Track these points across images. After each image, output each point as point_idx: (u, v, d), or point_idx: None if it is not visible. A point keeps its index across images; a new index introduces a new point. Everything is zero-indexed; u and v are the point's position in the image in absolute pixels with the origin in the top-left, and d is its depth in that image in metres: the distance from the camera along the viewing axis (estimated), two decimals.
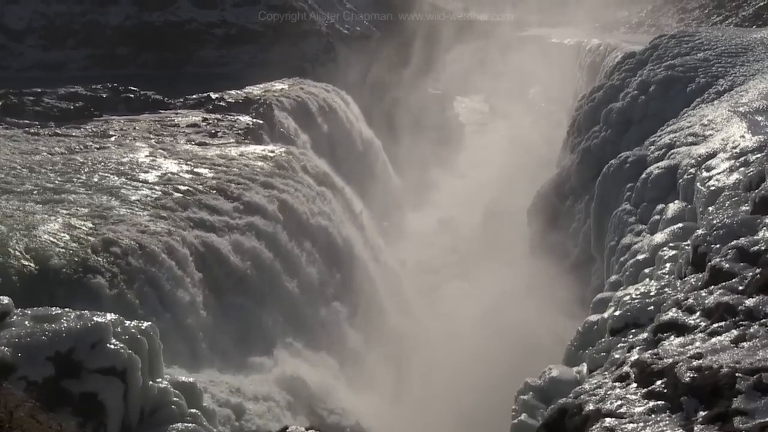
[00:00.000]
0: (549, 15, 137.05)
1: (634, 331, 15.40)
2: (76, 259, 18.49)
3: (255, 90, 51.27)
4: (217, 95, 46.88)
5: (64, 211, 21.85)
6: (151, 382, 14.32)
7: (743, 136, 23.23)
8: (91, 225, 20.83)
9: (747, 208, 16.41)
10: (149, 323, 14.82)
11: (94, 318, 13.36)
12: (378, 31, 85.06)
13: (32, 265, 17.71)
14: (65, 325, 12.82)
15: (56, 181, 25.32)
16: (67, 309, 13.66)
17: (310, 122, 48.76)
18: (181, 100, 45.89)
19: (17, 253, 17.93)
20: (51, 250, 18.46)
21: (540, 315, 34.51)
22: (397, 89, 75.13)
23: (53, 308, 13.59)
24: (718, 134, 25.32)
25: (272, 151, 34.03)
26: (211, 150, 33.05)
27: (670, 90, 36.89)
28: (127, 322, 14.23)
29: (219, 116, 41.71)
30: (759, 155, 19.89)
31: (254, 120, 41.23)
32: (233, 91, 49.43)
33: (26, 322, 12.82)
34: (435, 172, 67.77)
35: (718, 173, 21.05)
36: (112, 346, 13.29)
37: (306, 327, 25.84)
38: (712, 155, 23.22)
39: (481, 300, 38.75)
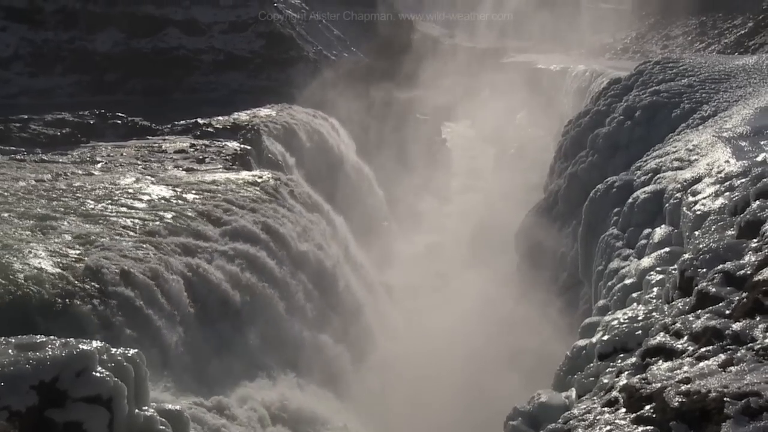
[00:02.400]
0: (535, 41, 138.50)
1: (622, 355, 15.38)
2: (61, 285, 18.34)
3: (243, 116, 51.37)
4: (204, 121, 46.91)
5: (50, 238, 21.71)
6: (137, 411, 14.11)
7: (728, 161, 23.43)
8: (76, 251, 20.70)
9: (732, 232, 16.50)
10: (135, 350, 14.65)
11: (80, 346, 13.19)
12: (365, 57, 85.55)
13: (16, 292, 17.54)
14: (50, 353, 12.65)
15: (42, 208, 25.18)
16: (52, 337, 13.49)
17: (298, 148, 48.83)
18: (169, 126, 45.87)
19: (1, 280, 17.77)
20: (36, 277, 18.31)
21: (528, 339, 34.45)
22: (385, 115, 75.45)
23: (38, 336, 13.43)
24: (703, 159, 25.52)
25: (260, 177, 34.03)
26: (199, 176, 33.00)
27: (656, 115, 37.24)
28: (113, 350, 14.06)
29: (207, 142, 41.70)
30: (743, 180, 20.03)
31: (242, 146, 41.25)
32: (221, 117, 49.51)
33: (9, 351, 12.64)
34: (422, 197, 67.91)
35: (704, 198, 21.18)
36: (97, 374, 13.11)
37: (292, 351, 25.69)
38: (697, 180, 23.39)
39: (469, 325, 38.65)
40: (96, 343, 13.72)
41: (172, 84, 68.81)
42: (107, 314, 18.56)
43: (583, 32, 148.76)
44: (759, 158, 22.51)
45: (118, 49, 69.33)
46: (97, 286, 19.08)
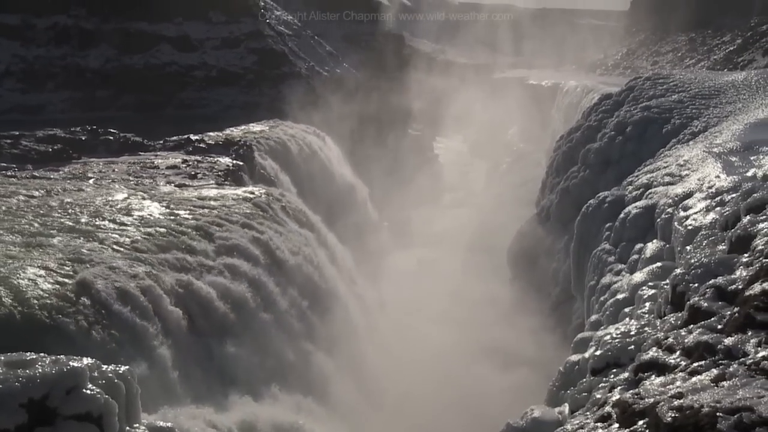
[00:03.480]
0: (527, 57, 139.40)
1: (615, 370, 15.38)
2: (52, 302, 18.23)
3: (235, 132, 51.44)
4: (197, 137, 46.91)
5: (41, 254, 21.60)
6: (128, 428, 14.03)
7: (718, 177, 23.56)
8: (67, 268, 20.59)
9: (724, 247, 16.55)
10: (127, 367, 14.57)
11: (70, 363, 13.11)
12: (357, 73, 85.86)
13: (6, 309, 17.43)
14: (40, 370, 12.57)
15: (33, 224, 25.07)
16: (42, 354, 13.42)
17: (291, 163, 48.88)
18: (161, 142, 45.84)
19: None
20: (26, 294, 18.20)
21: (521, 354, 34.43)
22: (377, 130, 75.67)
23: (28, 353, 13.35)
24: (694, 174, 25.66)
25: (252, 193, 34.00)
26: (191, 191, 32.95)
27: (647, 131, 37.48)
28: (104, 367, 13.98)
29: (199, 158, 41.68)
30: (734, 195, 20.13)
31: (234, 161, 41.26)
32: (213, 133, 49.53)
33: None
34: (415, 212, 68.01)
35: (695, 213, 21.28)
36: (88, 392, 13.02)
37: (283, 366, 25.57)
38: (688, 195, 23.50)
39: (461, 339, 38.63)
40: (87, 360, 13.64)
41: (165, 100, 68.83)
42: (99, 331, 18.45)
43: (574, 48, 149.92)
44: (749, 173, 22.63)
45: (111, 66, 69.37)
46: (88, 302, 18.97)
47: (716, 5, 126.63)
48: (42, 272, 19.83)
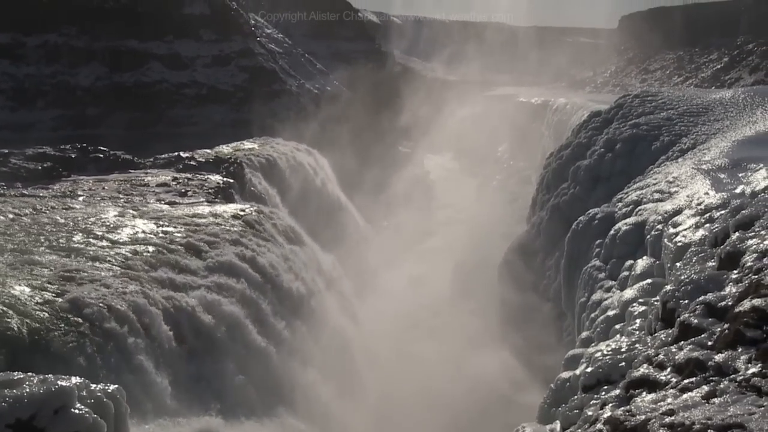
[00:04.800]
0: (517, 75, 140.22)
1: (606, 387, 15.37)
2: (40, 320, 18.11)
3: (225, 149, 51.41)
4: (187, 154, 46.83)
5: (29, 273, 21.48)
6: None
7: (707, 193, 23.68)
8: (57, 286, 20.47)
9: (713, 263, 16.61)
10: (116, 386, 14.46)
11: (58, 382, 13.01)
12: (348, 90, 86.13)
13: None
14: (27, 390, 12.47)
15: (22, 242, 24.94)
16: (29, 373, 13.31)
17: (281, 181, 48.86)
18: (151, 159, 45.74)
19: None
20: (14, 312, 18.07)
21: (512, 372, 34.37)
22: (368, 147, 75.79)
23: (15, 373, 13.24)
24: (683, 191, 25.78)
25: (242, 210, 33.94)
26: (181, 209, 32.87)
27: (636, 148, 37.66)
28: (93, 386, 13.87)
29: (189, 175, 41.60)
30: (723, 212, 20.23)
31: (225, 179, 41.20)
32: (204, 151, 49.47)
33: None
34: (405, 229, 67.93)
35: (685, 229, 21.36)
36: (76, 411, 12.91)
37: (275, 385, 25.44)
38: (678, 212, 23.59)
39: (453, 357, 38.54)
40: (75, 380, 13.54)
41: (155, 117, 68.83)
42: (88, 349, 18.31)
43: (564, 66, 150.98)
44: (738, 190, 22.76)
45: (101, 84, 69.37)
46: (78, 320, 18.84)
47: (703, 24, 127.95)
48: (31, 290, 19.72)
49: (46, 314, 18.46)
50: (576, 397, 16.71)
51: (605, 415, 10.29)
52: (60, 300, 19.40)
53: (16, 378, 12.95)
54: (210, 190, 38.11)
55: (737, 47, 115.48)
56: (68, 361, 17.51)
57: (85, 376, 14.65)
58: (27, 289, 19.74)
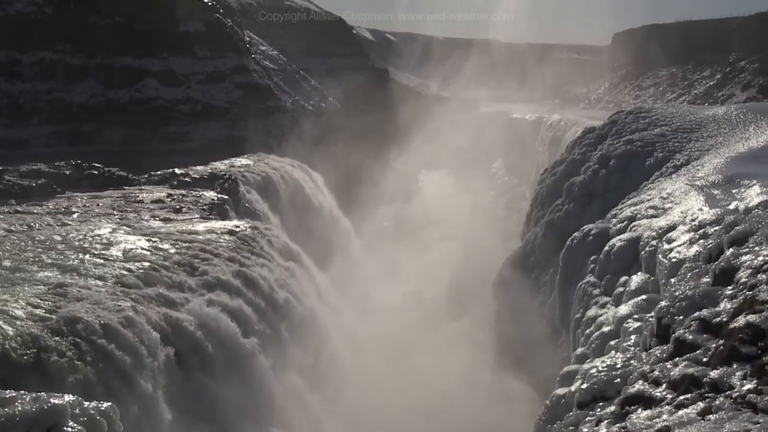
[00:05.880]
0: (511, 91, 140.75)
1: (601, 404, 15.34)
2: (33, 338, 18.00)
3: (220, 165, 51.43)
4: (182, 171, 46.84)
5: (23, 289, 21.39)
6: None
7: (701, 209, 23.74)
8: (50, 303, 20.37)
9: (708, 279, 16.63)
10: (109, 404, 14.38)
11: (51, 400, 12.93)
12: (343, 107, 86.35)
13: None
14: (19, 408, 12.39)
15: (15, 259, 24.86)
16: (22, 391, 13.23)
17: (276, 197, 48.87)
18: (146, 176, 45.71)
19: None
20: (7, 329, 17.97)
21: (507, 388, 34.27)
22: (363, 163, 75.95)
23: (7, 391, 13.15)
24: (677, 207, 25.84)
25: (237, 226, 33.91)
26: (176, 225, 32.81)
27: (630, 164, 37.78)
28: (86, 403, 13.79)
29: (184, 192, 41.58)
30: (717, 228, 20.28)
31: (219, 195, 41.18)
32: (198, 167, 49.49)
33: None
34: (400, 245, 67.95)
35: (679, 245, 21.39)
36: (69, 429, 12.83)
37: (269, 401, 25.35)
38: (672, 228, 23.64)
39: (447, 373, 38.43)
40: (68, 397, 13.46)
41: (150, 134, 68.80)
42: (81, 367, 18.20)
43: (557, 82, 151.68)
44: (731, 206, 22.83)
45: (96, 100, 69.36)
46: (71, 337, 18.74)
47: (696, 41, 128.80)
48: (24, 307, 19.62)
49: (39, 331, 18.36)
50: (571, 413, 16.66)
51: None
52: (53, 317, 19.30)
53: (8, 396, 12.87)
54: (204, 207, 38.09)
55: (729, 64, 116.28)
56: (61, 378, 17.40)
57: (78, 393, 14.57)
58: (20, 306, 19.64)
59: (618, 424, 10.45)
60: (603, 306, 25.14)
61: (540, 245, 40.37)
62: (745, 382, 9.79)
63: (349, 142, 76.00)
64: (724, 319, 12.62)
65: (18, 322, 18.57)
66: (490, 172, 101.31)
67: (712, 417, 8.94)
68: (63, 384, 16.90)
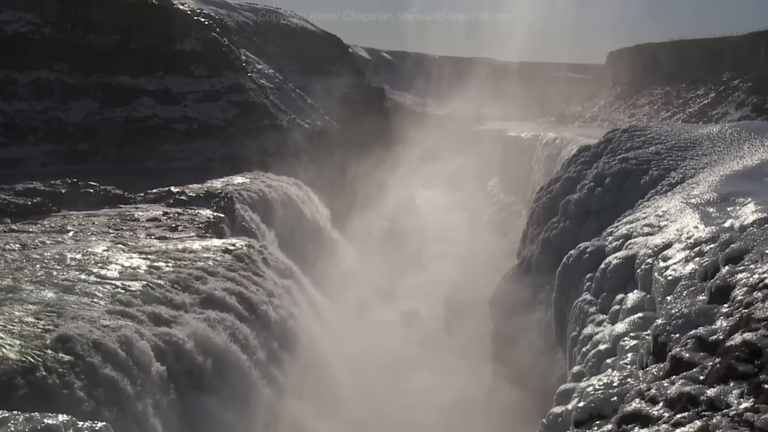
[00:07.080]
0: (506, 110, 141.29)
1: (598, 422, 15.27)
2: (27, 357, 17.92)
3: (216, 184, 51.44)
4: (178, 189, 46.82)
5: (17, 308, 21.31)
6: None
7: (697, 227, 23.76)
8: (45, 322, 20.31)
9: (704, 297, 16.62)
10: (104, 423, 14.31)
11: (45, 420, 12.87)
12: (339, 125, 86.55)
13: None
14: (12, 428, 12.32)
15: (10, 277, 24.79)
16: (15, 411, 13.15)
17: (272, 215, 48.85)
18: (142, 194, 45.68)
19: None
20: (1, 348, 17.88)
21: (504, 406, 34.13)
22: (358, 182, 76.05)
23: (1, 411, 13.08)
24: (672, 225, 25.87)
25: (233, 245, 33.88)
26: (172, 244, 32.77)
27: (625, 182, 37.88)
28: (80, 423, 13.72)
29: (180, 210, 41.56)
30: (712, 245, 20.29)
31: (215, 214, 41.15)
32: (194, 185, 49.50)
33: None
34: (396, 264, 67.91)
35: (675, 263, 21.39)
36: None
37: (264, 419, 25.23)
38: (668, 245, 23.64)
39: (444, 392, 38.32)
40: (62, 417, 13.39)
41: (146, 152, 68.81)
42: (76, 386, 18.11)
43: (552, 101, 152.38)
44: (726, 224, 22.86)
45: (92, 119, 69.37)
46: (66, 357, 18.66)
47: (690, 60, 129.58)
48: (19, 326, 19.55)
49: (34, 350, 18.28)
50: None
51: None
52: (48, 336, 19.24)
53: (1, 416, 12.79)
54: (201, 225, 38.06)
55: (723, 83, 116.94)
56: (55, 398, 17.30)
57: (73, 413, 14.48)
58: (14, 325, 19.57)
59: None
60: (599, 324, 25.09)
61: (536, 263, 40.38)
62: (742, 400, 9.76)
63: (345, 161, 76.14)
64: (721, 337, 12.60)
65: (12, 341, 18.49)
66: (486, 190, 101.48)
67: None
68: (56, 403, 16.80)
